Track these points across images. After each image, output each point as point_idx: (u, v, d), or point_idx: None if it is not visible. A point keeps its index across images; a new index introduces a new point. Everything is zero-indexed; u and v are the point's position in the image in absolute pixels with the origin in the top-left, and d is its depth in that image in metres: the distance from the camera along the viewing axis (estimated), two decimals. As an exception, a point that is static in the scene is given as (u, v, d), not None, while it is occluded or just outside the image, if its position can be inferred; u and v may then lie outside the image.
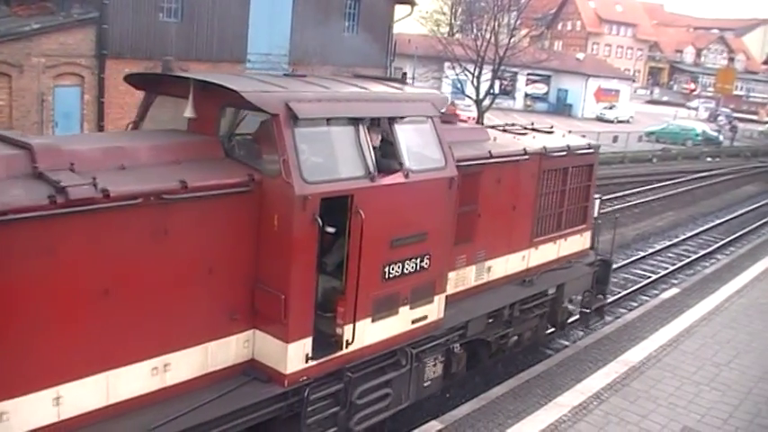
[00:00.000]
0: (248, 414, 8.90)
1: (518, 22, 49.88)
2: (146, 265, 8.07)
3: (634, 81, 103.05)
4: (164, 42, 30.85)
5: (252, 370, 9.20)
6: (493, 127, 15.27)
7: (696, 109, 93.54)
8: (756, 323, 17.55)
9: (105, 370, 7.89)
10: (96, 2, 28.28)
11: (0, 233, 6.88)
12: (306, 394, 9.41)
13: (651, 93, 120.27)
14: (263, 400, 8.98)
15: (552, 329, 16.15)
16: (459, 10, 64.83)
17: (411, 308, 10.72)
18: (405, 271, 10.41)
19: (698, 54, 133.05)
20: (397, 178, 10.06)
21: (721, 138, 65.49)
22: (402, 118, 10.50)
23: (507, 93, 73.75)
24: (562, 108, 77.28)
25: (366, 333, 10.06)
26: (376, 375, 10.62)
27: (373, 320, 10.14)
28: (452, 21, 66.58)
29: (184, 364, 8.59)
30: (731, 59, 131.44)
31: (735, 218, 34.37)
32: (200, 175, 8.49)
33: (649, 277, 22.61)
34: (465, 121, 55.61)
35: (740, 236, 29.96)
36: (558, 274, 14.89)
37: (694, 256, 25.79)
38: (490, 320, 13.16)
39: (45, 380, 7.41)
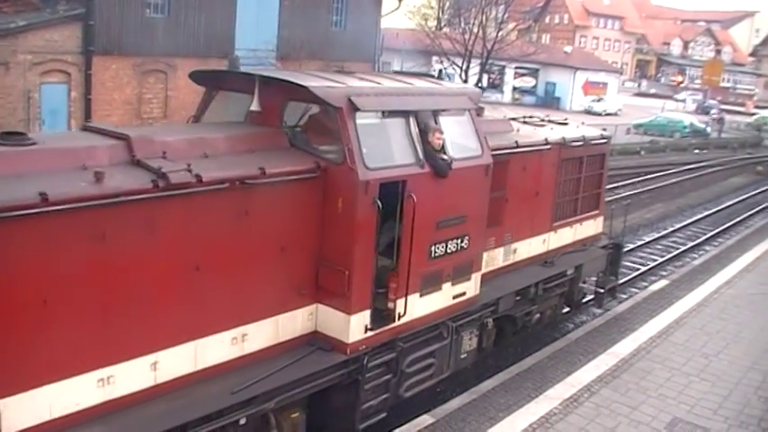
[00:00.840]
0: (316, 380, 9.88)
1: (506, 15, 49.99)
2: (230, 244, 8.95)
3: (622, 74, 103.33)
4: (151, 38, 30.75)
5: (315, 341, 10.13)
6: (514, 119, 16.02)
7: (684, 101, 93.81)
8: (745, 314, 17.63)
9: (194, 339, 8.76)
10: (83, -2, 28.18)
11: (112, 213, 7.71)
12: (365, 362, 10.42)
13: (639, 85, 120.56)
14: (329, 366, 9.95)
15: (568, 309, 17.26)
16: (447, 4, 64.87)
17: (452, 284, 11.67)
18: (447, 250, 11.38)
19: (685, 46, 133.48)
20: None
21: (709, 130, 65.69)
22: (445, 110, 11.45)
23: (495, 86, 73.84)
24: (550, 101, 77.33)
25: (415, 307, 10.99)
26: (422, 346, 11.62)
27: (421, 295, 11.09)
28: (440, 15, 66.58)
29: (259, 335, 9.50)
30: (718, 52, 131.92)
31: (723, 209, 34.48)
32: (275, 163, 9.37)
33: (638, 269, 22.67)
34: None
35: (728, 227, 30.05)
36: (576, 256, 16.02)
37: (683, 248, 25.87)
38: (518, 298, 14.19)
39: (145, 347, 8.26)
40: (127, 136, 8.60)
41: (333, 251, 9.89)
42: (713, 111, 78.70)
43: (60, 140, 8.74)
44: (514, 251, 14.10)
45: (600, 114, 75.09)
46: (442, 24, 64.39)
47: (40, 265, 7.30)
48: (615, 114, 76.79)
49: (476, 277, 12.21)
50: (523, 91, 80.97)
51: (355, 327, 10.07)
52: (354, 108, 9.86)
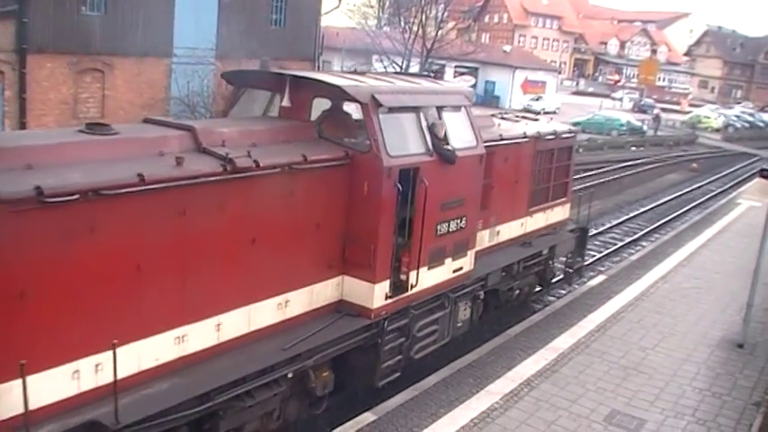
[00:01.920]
0: (345, 341, 11.37)
1: (445, 14, 50.20)
2: (278, 220, 10.33)
3: (560, 73, 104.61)
4: (87, 36, 30.22)
5: (341, 308, 11.55)
6: (493, 115, 17.58)
7: (621, 100, 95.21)
8: (680, 307, 18.01)
9: (249, 304, 10.09)
10: (15, -6, 27.60)
11: (191, 193, 8.98)
12: (385, 326, 11.93)
13: (577, 84, 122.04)
14: (356, 329, 11.48)
15: (540, 288, 19.03)
16: (387, 3, 64.99)
17: (453, 260, 13.22)
18: (449, 229, 12.91)
19: (622, 46, 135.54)
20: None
21: (645, 128, 66.82)
22: (446, 107, 12.98)
23: (436, 85, 74.24)
24: (490, 100, 77.87)
25: (424, 278, 12.49)
26: (429, 314, 13.17)
27: (429, 269, 12.59)
28: (380, 13, 66.69)
29: (298, 301, 10.89)
30: (654, 51, 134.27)
31: (659, 205, 35.13)
32: (312, 151, 10.73)
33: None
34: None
35: (664, 223, 30.67)
36: (550, 238, 17.85)
37: (620, 244, 26.32)
38: (503, 274, 15.89)
39: (211, 310, 9.55)
40: (192, 127, 9.90)
41: (359, 228, 11.31)
42: (655, 110, 79.81)
43: (135, 131, 9.73)
44: (498, 233, 15.65)
45: (539, 113, 75.78)
46: (383, 23, 64.54)
47: (135, 236, 8.51)
48: (554, 113, 77.53)
49: (471, 254, 13.78)
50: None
51: (378, 294, 11.54)
52: (377, 104, 11.31)
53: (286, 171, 10.25)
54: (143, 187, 8.42)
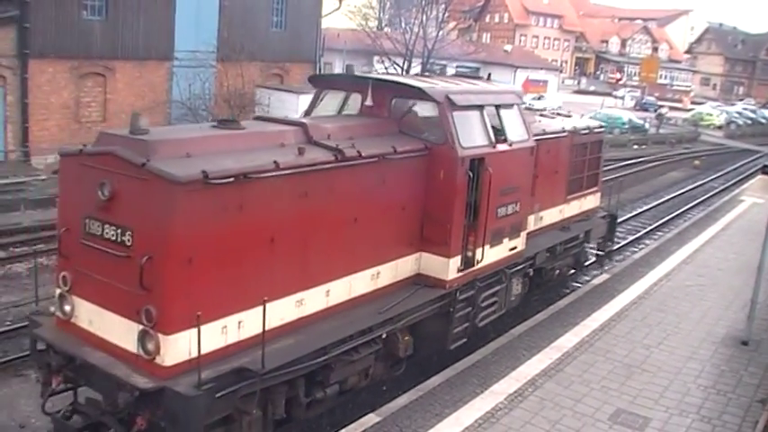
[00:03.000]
0: (425, 308, 13.17)
1: (446, 14, 50.16)
2: (374, 202, 12.17)
3: (561, 71, 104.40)
4: (88, 41, 30.32)
5: (419, 281, 13.33)
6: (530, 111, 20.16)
7: (622, 98, 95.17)
8: (683, 305, 18.00)
9: (349, 274, 11.87)
10: (16, 0, 27.64)
11: (311, 177, 10.75)
12: (456, 295, 13.71)
13: (578, 83, 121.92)
14: (434, 298, 13.26)
15: (574, 270, 20.85)
16: (388, 4, 64.95)
17: (509, 240, 15.11)
18: (507, 212, 14.73)
19: (623, 44, 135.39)
20: (505, 147, 14.39)
21: (647, 125, 66.75)
22: (503, 105, 14.86)
23: (437, 86, 74.15)
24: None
25: (487, 255, 14.33)
26: (490, 287, 14.94)
27: (491, 247, 14.44)
28: (381, 14, 66.65)
29: (386, 274, 12.69)
30: (655, 49, 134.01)
31: (661, 203, 35.10)
32: (399, 144, 12.58)
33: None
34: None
35: (667, 221, 30.68)
36: (585, 223, 19.83)
37: (623, 242, 26.29)
38: (548, 254, 17.67)
39: (323, 278, 11.32)
40: (303, 123, 11.80)
41: (436, 210, 13.13)
42: (663, 108, 79.47)
43: (257, 126, 11.60)
44: (541, 218, 17.54)
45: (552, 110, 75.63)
46: (383, 24, 64.52)
47: (270, 213, 10.24)
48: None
49: (523, 235, 15.69)
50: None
51: (452, 267, 13.41)
52: (451, 103, 13.27)
53: (380, 160, 12.07)
54: (278, 172, 10.19)
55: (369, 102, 13.62)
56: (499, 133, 14.34)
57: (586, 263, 21.48)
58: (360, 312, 11.92)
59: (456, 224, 13.24)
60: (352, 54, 58.61)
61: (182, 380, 9.21)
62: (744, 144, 67.03)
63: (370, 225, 12.05)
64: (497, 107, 14.64)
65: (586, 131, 19.55)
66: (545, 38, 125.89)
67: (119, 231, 9.47)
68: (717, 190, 40.84)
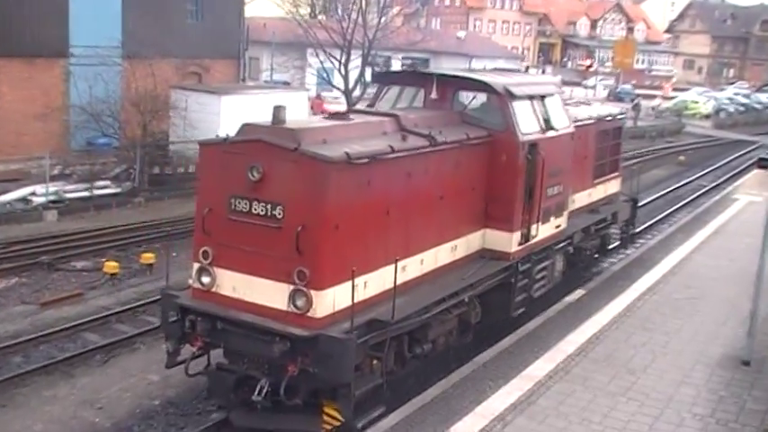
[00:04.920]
0: (494, 278, 16.67)
1: (389, -1, 50.21)
2: (453, 183, 15.59)
3: (523, 60, 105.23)
4: (-34, 39, 29.72)
5: (484, 254, 16.84)
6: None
7: (593, 87, 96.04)
8: (672, 322, 18.17)
9: (436, 246, 15.37)
10: None
11: (413, 160, 14.26)
12: (518, 267, 17.29)
13: (543, 72, 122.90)
14: (500, 269, 16.79)
15: (597, 255, 24.09)
16: (322, -13, 64.86)
17: (555, 218, 18.78)
18: (554, 192, 18.36)
19: (593, 26, 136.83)
20: (552, 133, 18.02)
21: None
22: (548, 94, 18.49)
23: (382, 80, 74.23)
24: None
25: (540, 231, 17.88)
26: (542, 261, 18.54)
27: (542, 223, 17.94)
28: (313, 0, 66.55)
29: (461, 247, 16.21)
30: (630, 30, 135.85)
31: (642, 206, 35.26)
32: (470, 131, 16.17)
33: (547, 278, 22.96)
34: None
35: (649, 226, 30.97)
36: (612, 206, 23.80)
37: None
38: (583, 234, 21.36)
39: (418, 248, 14.74)
40: (396, 115, 15.22)
41: (500, 190, 16.60)
42: (636, 99, 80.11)
43: (361, 117, 15.17)
44: (573, 201, 20.57)
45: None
46: (317, 11, 64.39)
47: (386, 190, 13.76)
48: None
49: (565, 214, 19.44)
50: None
51: (514, 241, 16.93)
52: (510, 94, 16.77)
53: (460, 146, 15.61)
54: (393, 155, 13.68)
55: (434, 95, 17.05)
56: (546, 120, 17.91)
57: (610, 246, 24.93)
58: (444, 280, 15.41)
59: (517, 202, 16.80)
60: (281, 47, 58.55)
61: (331, 329, 12.47)
62: (736, 134, 68.13)
63: (451, 203, 15.52)
64: (543, 97, 18.17)
65: (609, 118, 23.45)
66: (503, 22, 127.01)
67: (269, 207, 12.71)
68: (706, 188, 41.44)
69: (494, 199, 16.64)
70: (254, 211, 12.81)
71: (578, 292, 20.41)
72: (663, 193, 39.24)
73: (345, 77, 44.94)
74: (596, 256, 24.05)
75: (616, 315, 18.49)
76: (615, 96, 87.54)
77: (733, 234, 27.01)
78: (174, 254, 24.38)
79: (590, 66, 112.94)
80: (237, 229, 12.99)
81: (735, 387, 14.91)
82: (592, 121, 21.75)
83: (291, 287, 12.57)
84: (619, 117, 24.58)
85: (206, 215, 13.35)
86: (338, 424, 13.02)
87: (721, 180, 44.37)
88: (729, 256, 23.93)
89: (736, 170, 48.18)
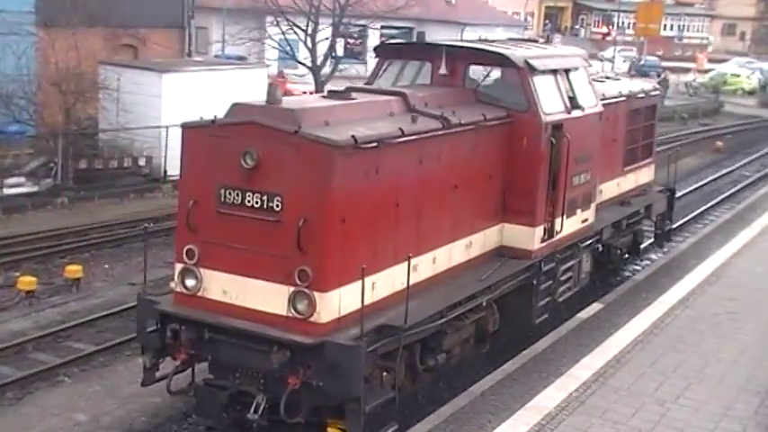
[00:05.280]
0: (514, 279, 17.20)
1: (365, -46, 50.09)
2: (469, 170, 16.13)
3: (527, 28, 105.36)
4: None
5: (503, 252, 17.39)
6: None
7: (612, 60, 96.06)
8: (709, 341, 18.21)
9: (450, 243, 15.96)
10: None
11: (424, 144, 14.81)
12: (541, 266, 17.76)
13: (550, 41, 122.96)
14: (521, 269, 17.28)
15: (628, 255, 24.93)
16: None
17: (581, 211, 19.36)
18: (581, 181, 18.95)
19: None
20: (579, 112, 18.54)
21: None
22: (573, 68, 19.08)
23: (356, 55, 74.19)
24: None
25: (565, 226, 18.40)
26: (567, 260, 19.08)
27: (567, 217, 18.51)
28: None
29: (477, 244, 16.80)
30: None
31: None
32: (487, 112, 16.64)
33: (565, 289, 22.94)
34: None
35: (680, 225, 30.90)
36: (645, 198, 24.44)
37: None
38: (613, 230, 22.00)
39: (430, 245, 15.31)
40: (403, 93, 15.77)
41: (521, 179, 17.09)
42: (663, 73, 79.94)
43: (364, 96, 15.66)
44: (601, 192, 21.15)
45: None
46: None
47: (395, 177, 14.21)
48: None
49: (593, 206, 20.02)
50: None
51: (537, 237, 17.48)
52: (531, 68, 17.25)
53: (475, 128, 16.10)
54: (403, 138, 14.17)
55: (443, 70, 17.50)
56: (572, 98, 18.47)
57: (643, 244, 25.70)
58: (459, 281, 15.98)
59: (540, 192, 17.37)
60: (234, 14, 58.40)
61: (337, 335, 12.88)
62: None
63: (466, 193, 16.08)
64: (567, 71, 18.76)
65: (642, 95, 24.19)
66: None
67: (265, 198, 13.05)
68: (749, 180, 41.69)
69: (513, 189, 17.22)
70: (247, 203, 13.20)
71: (594, 307, 20.42)
72: (696, 186, 39.32)
73: (312, 51, 44.72)
74: (627, 255, 24.68)
75: (640, 333, 18.48)
76: (638, 70, 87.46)
77: (783, 234, 27.10)
78: (106, 265, 24.54)
79: (607, 34, 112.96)
80: (228, 225, 13.40)
81: (788, 421, 14.96)
82: (622, 99, 22.39)
83: (292, 289, 13.00)
84: (652, 94, 25.22)
85: (190, 209, 13.72)
86: None
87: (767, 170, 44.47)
88: (780, 261, 24.00)
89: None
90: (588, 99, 19.17)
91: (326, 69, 45.12)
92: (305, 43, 45.46)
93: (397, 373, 13.89)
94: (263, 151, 12.95)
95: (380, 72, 18.90)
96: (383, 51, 19.65)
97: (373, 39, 76.21)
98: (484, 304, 16.30)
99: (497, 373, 16.50)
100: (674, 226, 30.05)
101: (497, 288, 16.58)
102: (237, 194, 13.22)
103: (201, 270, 13.71)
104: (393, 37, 79.91)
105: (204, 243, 13.62)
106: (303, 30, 45.18)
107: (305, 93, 51.78)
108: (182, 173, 14.54)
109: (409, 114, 14.99)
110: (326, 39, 45.44)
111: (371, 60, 79.64)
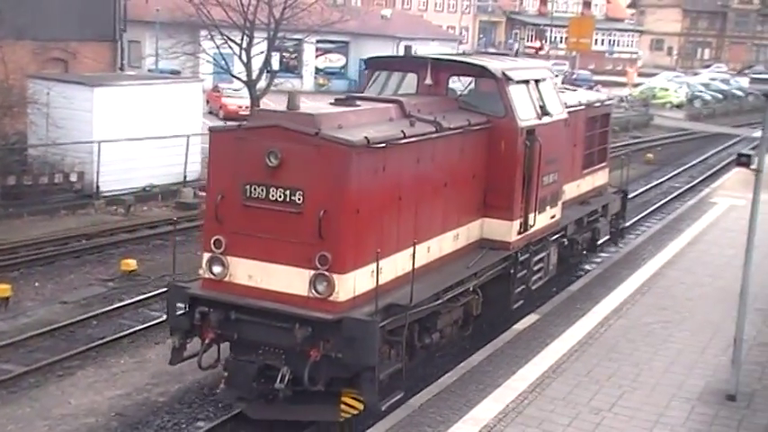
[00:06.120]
0: (495, 267, 19.14)
1: (300, -30, 49.93)
2: (456, 170, 17.94)
3: (462, 42, 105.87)
4: None
5: (483, 244, 19.22)
6: None
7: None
8: (642, 350, 18.34)
9: (440, 234, 17.68)
10: None
11: (421, 146, 16.54)
12: (518, 257, 19.79)
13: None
14: (500, 258, 19.18)
15: (585, 251, 26.66)
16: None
17: (550, 208, 21.35)
18: (549, 181, 20.85)
19: (543, 0, 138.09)
20: (548, 119, 20.48)
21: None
22: (542, 79, 21.14)
23: (292, 69, 74.03)
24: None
25: (537, 220, 20.25)
26: (538, 252, 21.08)
27: (539, 213, 20.31)
28: (207, -29, 66.05)
29: (462, 236, 18.59)
30: (587, 5, 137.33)
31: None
32: (471, 117, 18.50)
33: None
34: (235, 113, 55.13)
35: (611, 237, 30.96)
36: (602, 198, 26.79)
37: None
38: (575, 226, 24.17)
39: (426, 236, 16.84)
40: (399, 101, 17.55)
41: (499, 178, 18.96)
42: (595, 86, 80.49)
43: (368, 103, 17.32)
44: (564, 192, 22.67)
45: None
46: (212, -15, 63.92)
47: (398, 174, 15.91)
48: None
49: (560, 204, 22.09)
50: (330, 73, 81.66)
51: (514, 230, 19.34)
52: (508, 78, 19.15)
53: (460, 132, 17.88)
54: (405, 140, 15.90)
55: (428, 81, 19.29)
56: (542, 106, 20.39)
57: (600, 240, 27.04)
58: (450, 268, 17.75)
59: (517, 190, 19.18)
60: (168, 28, 57.91)
61: (353, 312, 14.61)
62: (714, 127, 69.65)
63: (454, 190, 17.91)
64: (537, 81, 20.69)
65: (598, 104, 26.77)
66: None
67: (287, 192, 14.77)
68: (679, 191, 42.11)
69: (493, 187, 19.11)
70: (271, 197, 14.93)
71: (530, 318, 20.51)
72: (629, 197, 39.41)
73: (248, 65, 44.44)
74: (584, 252, 26.62)
75: (576, 343, 18.61)
76: (570, 83, 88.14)
77: (712, 245, 27.37)
78: (36, 284, 24.12)
79: (540, 48, 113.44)
80: (253, 217, 15.12)
81: (719, 426, 15.05)
82: (581, 108, 24.55)
83: (312, 272, 14.74)
84: (607, 103, 28.08)
85: (218, 203, 15.38)
86: (356, 412, 15.20)
87: (697, 181, 45.12)
88: (709, 271, 24.22)
89: (715, 169, 49.02)
90: (555, 107, 21.20)
91: (262, 83, 44.83)
92: (240, 57, 45.16)
93: (403, 346, 15.48)
94: (286, 151, 14.69)
95: (370, 82, 20.77)
96: (373, 64, 21.47)
97: (309, 53, 76.48)
98: (471, 289, 18.05)
99: (435, 386, 16.47)
100: (605, 239, 30.47)
101: (482, 275, 18.53)
102: (262, 190, 14.95)
103: (228, 258, 15.37)
104: (329, 51, 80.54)
105: (231, 233, 15.29)
106: (238, 44, 44.91)
107: (240, 107, 51.82)
108: (209, 172, 16.18)
109: (407, 119, 16.76)
110: (262, 53, 45.16)
111: (307, 75, 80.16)
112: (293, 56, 74.17)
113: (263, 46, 45.14)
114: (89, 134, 32.83)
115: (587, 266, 27.27)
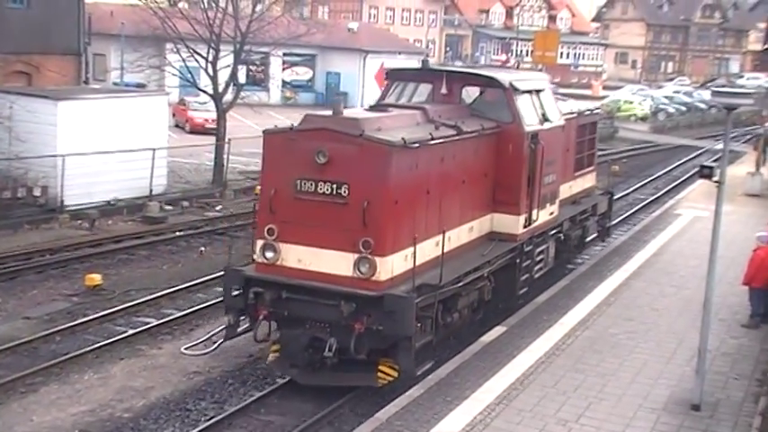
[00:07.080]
0: (505, 256, 21.36)
1: (266, -16, 49.82)
2: (472, 169, 20.30)
3: (428, 55, 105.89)
4: None
5: (492, 236, 21.44)
6: None
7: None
8: (609, 361, 18.40)
9: (459, 225, 19.89)
10: None
11: (445, 147, 18.88)
12: (523, 248, 22.04)
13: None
14: (508, 249, 21.41)
15: (575, 247, 28.95)
16: (182, -30, 64.25)
17: (549, 205, 23.68)
18: (548, 181, 23.16)
19: (509, 14, 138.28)
20: (548, 125, 22.92)
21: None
22: (541, 89, 23.48)
23: (258, 82, 73.88)
24: (334, 98, 78.07)
25: (539, 216, 22.68)
26: (540, 245, 23.49)
27: (540, 209, 22.72)
28: (172, -16, 65.84)
29: (476, 229, 20.83)
30: (552, 19, 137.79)
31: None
32: (484, 123, 20.72)
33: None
34: (201, 126, 55.02)
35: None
36: (591, 198, 29.21)
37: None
38: (570, 223, 26.57)
39: (447, 227, 18.70)
40: (424, 108, 20.07)
41: (507, 177, 21.28)
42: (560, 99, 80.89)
43: (397, 110, 19.64)
44: (559, 192, 25.01)
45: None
46: (177, -1, 63.73)
47: (426, 171, 18.19)
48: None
49: (557, 202, 24.59)
50: (297, 86, 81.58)
51: (520, 224, 21.64)
52: (515, 88, 21.58)
53: (476, 136, 20.15)
54: (433, 142, 18.20)
55: (444, 90, 21.84)
56: (543, 114, 22.73)
57: (588, 238, 29.99)
58: (467, 256, 19.95)
59: (522, 187, 21.43)
60: (133, 41, 57.50)
61: (393, 290, 16.86)
62: (677, 139, 70.17)
63: (470, 187, 20.17)
64: (538, 91, 23.10)
65: (588, 113, 29.41)
66: (404, 10, 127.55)
67: (334, 186, 17.02)
68: (644, 202, 42.32)
69: (501, 184, 21.36)
70: (319, 190, 17.18)
71: (497, 330, 20.50)
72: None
73: (214, 79, 44.24)
74: (575, 247, 28.77)
75: (543, 355, 18.64)
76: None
77: (677, 255, 27.49)
78: (-1, 300, 23.86)
79: (506, 61, 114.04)
80: (303, 208, 17.38)
81: (684, 436, 14.99)
82: (573, 116, 27.02)
83: (356, 255, 17.01)
84: (595, 112, 31.28)
85: (272, 196, 17.64)
86: (391, 379, 17.42)
87: (661, 192, 45.38)
88: (673, 281, 24.33)
89: (679, 181, 49.35)
90: (554, 114, 23.73)
91: (228, 97, 44.67)
92: (206, 71, 44.98)
93: (433, 322, 17.77)
94: (333, 150, 16.94)
95: (390, 92, 23.01)
96: (393, 75, 24.03)
97: (275, 66, 76.27)
98: (485, 275, 20.14)
99: (403, 398, 16.45)
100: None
101: (495, 263, 20.70)
102: (311, 184, 17.21)
103: (280, 244, 17.64)
104: (295, 64, 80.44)
105: (282, 223, 17.54)
106: (204, 57, 44.74)
107: (207, 120, 51.62)
108: (263, 169, 18.62)
109: (431, 124, 19.14)
110: (228, 66, 44.99)
111: (274, 88, 79.73)
112: (260, 69, 73.82)
113: (230, 59, 44.95)
114: (53, 148, 32.53)
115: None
